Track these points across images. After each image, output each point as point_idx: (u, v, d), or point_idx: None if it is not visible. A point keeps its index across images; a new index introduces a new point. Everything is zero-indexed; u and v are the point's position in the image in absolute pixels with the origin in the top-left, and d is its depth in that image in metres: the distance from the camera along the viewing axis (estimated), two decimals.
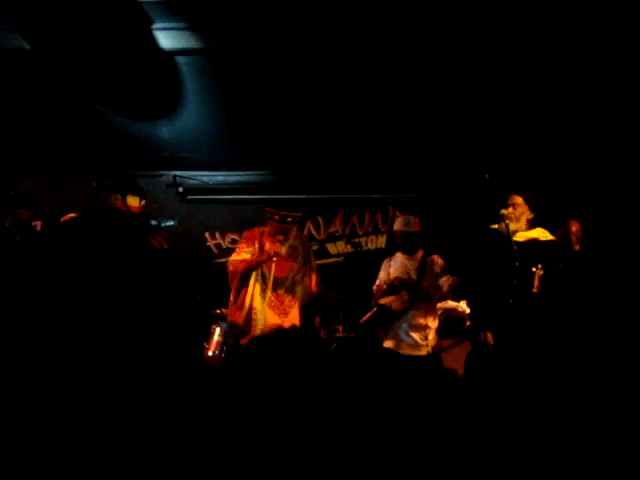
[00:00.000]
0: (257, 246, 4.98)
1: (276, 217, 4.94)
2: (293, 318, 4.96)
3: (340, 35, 4.40)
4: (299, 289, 5.04)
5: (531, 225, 4.35)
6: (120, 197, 4.23)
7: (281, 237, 4.96)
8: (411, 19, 4.23)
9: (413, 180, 6.82)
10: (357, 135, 5.96)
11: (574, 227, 5.02)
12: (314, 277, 5.18)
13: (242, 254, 4.98)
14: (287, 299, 4.98)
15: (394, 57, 4.61)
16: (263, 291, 4.95)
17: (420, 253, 5.04)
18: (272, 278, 4.93)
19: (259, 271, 4.97)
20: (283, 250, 4.96)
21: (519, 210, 4.31)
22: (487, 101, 5.28)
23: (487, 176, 6.56)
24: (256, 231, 5.11)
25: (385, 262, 5.26)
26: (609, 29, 4.35)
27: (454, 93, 5.13)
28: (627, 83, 4.94)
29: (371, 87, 5.05)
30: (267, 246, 4.94)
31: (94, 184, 6.41)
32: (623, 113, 5.37)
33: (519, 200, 4.34)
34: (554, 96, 5.19)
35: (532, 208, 4.32)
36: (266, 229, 5.05)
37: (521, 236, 4.26)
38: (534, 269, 3.96)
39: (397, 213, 6.84)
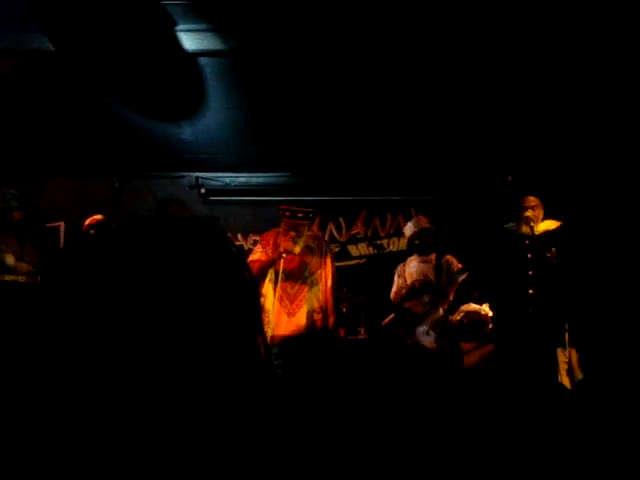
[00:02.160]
0: (272, 245, 4.98)
1: (287, 213, 4.93)
2: (299, 320, 4.88)
3: (363, 38, 4.38)
4: (310, 292, 4.93)
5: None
6: None
7: (293, 234, 4.91)
8: (432, 19, 4.20)
9: (435, 182, 6.79)
10: (379, 137, 5.94)
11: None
12: (329, 283, 4.96)
13: (257, 254, 4.98)
14: (297, 299, 4.94)
15: (418, 59, 4.58)
16: (274, 290, 4.92)
17: (433, 255, 5.06)
18: (282, 274, 4.87)
19: (272, 271, 4.93)
20: (297, 248, 4.89)
21: (537, 210, 4.50)
22: (510, 103, 5.23)
23: (509, 178, 6.51)
24: (273, 232, 5.10)
25: (399, 268, 5.27)
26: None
27: (478, 96, 5.09)
28: None
29: (395, 90, 5.03)
30: (279, 244, 4.92)
31: (117, 185, 6.44)
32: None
33: (536, 201, 4.54)
34: (576, 99, 5.14)
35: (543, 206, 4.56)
36: (281, 229, 5.05)
37: (536, 231, 4.44)
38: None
39: (419, 215, 6.81)
